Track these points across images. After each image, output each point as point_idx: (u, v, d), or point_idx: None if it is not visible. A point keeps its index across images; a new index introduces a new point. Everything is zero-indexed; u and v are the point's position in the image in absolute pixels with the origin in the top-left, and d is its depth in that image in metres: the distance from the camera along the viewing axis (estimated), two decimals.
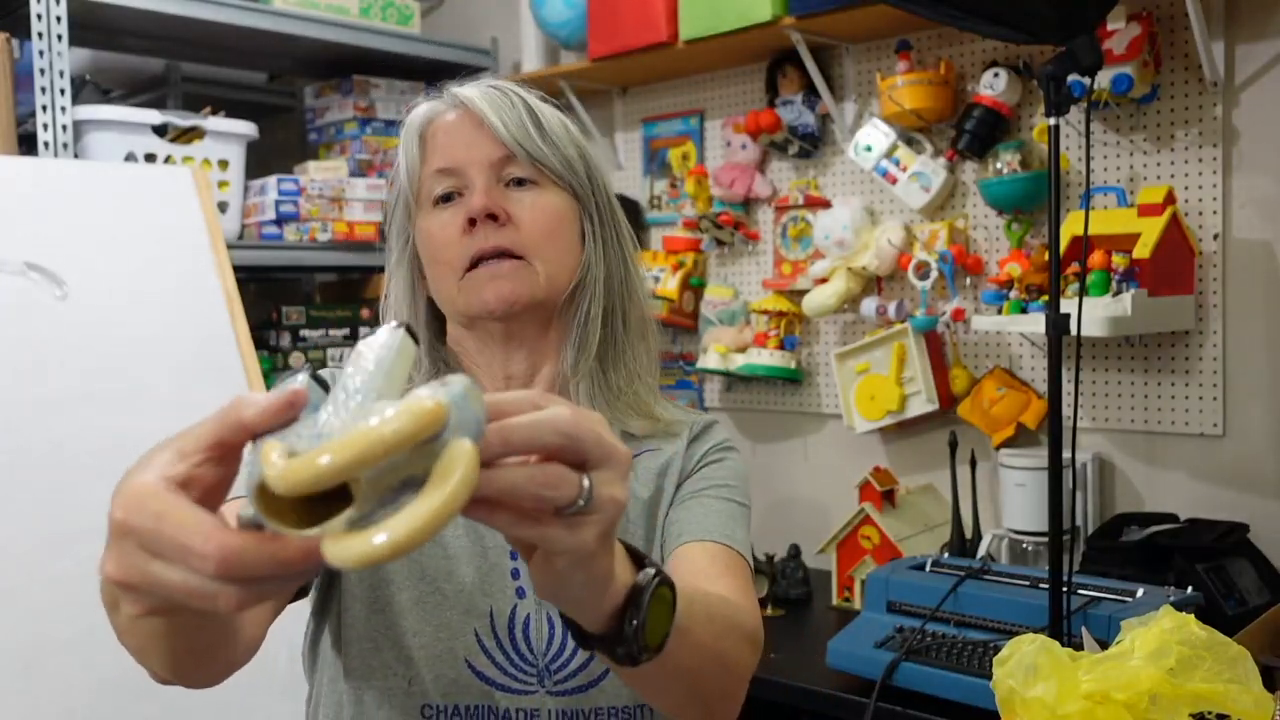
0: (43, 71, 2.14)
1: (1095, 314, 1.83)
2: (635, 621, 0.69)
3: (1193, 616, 0.95)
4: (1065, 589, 1.56)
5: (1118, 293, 1.88)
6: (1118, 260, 1.90)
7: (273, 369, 2.65)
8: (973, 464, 2.15)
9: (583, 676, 0.99)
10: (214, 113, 2.44)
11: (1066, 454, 1.60)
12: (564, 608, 0.69)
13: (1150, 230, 1.88)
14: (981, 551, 2.09)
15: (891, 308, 2.32)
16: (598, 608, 0.68)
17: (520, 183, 1.04)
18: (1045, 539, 1.92)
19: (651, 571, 0.72)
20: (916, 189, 2.27)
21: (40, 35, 2.14)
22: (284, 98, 3.19)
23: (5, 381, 1.72)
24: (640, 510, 1.06)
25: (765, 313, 2.51)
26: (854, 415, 2.36)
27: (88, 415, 1.75)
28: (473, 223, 1.00)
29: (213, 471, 0.53)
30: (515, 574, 1.01)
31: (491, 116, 1.02)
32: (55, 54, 2.15)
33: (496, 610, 0.99)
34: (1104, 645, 1.17)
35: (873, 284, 2.41)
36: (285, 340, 2.73)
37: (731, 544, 1.01)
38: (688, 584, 0.79)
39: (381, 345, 0.56)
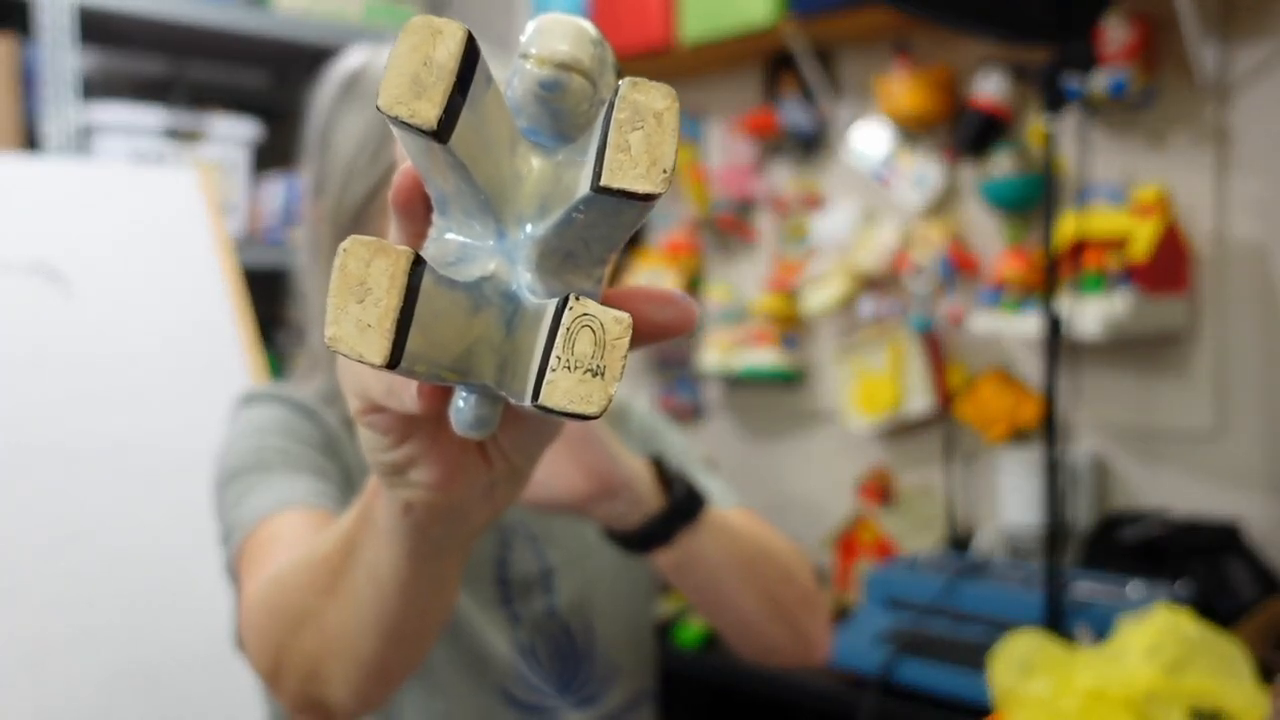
0: (49, 73, 2.16)
1: (1090, 314, 1.85)
2: (671, 478, 0.81)
3: (1187, 613, 0.97)
4: (1061, 586, 1.57)
5: (1113, 293, 1.90)
6: (1113, 261, 1.92)
7: (278, 370, 2.65)
8: (970, 463, 2.17)
9: (595, 684, 0.99)
10: (219, 114, 2.45)
11: (1063, 453, 1.62)
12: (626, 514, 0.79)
13: (1145, 231, 1.90)
14: (978, 549, 2.11)
15: (889, 308, 2.34)
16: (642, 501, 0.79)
17: None
18: (1041, 536, 1.94)
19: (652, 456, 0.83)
20: (914, 190, 2.28)
21: (47, 37, 2.15)
22: (288, 100, 3.20)
23: (9, 381, 1.73)
24: None
25: (764, 313, 2.53)
26: (852, 415, 2.38)
27: (91, 415, 1.77)
28: None
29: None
30: (506, 600, 0.96)
31: None
32: (62, 56, 2.17)
33: (505, 646, 0.95)
34: (1100, 641, 1.18)
35: (871, 284, 2.43)
36: (289, 341, 2.74)
37: (746, 507, 0.99)
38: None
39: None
